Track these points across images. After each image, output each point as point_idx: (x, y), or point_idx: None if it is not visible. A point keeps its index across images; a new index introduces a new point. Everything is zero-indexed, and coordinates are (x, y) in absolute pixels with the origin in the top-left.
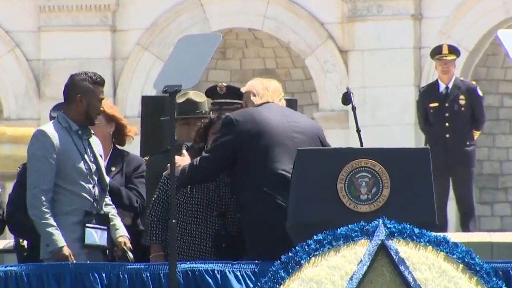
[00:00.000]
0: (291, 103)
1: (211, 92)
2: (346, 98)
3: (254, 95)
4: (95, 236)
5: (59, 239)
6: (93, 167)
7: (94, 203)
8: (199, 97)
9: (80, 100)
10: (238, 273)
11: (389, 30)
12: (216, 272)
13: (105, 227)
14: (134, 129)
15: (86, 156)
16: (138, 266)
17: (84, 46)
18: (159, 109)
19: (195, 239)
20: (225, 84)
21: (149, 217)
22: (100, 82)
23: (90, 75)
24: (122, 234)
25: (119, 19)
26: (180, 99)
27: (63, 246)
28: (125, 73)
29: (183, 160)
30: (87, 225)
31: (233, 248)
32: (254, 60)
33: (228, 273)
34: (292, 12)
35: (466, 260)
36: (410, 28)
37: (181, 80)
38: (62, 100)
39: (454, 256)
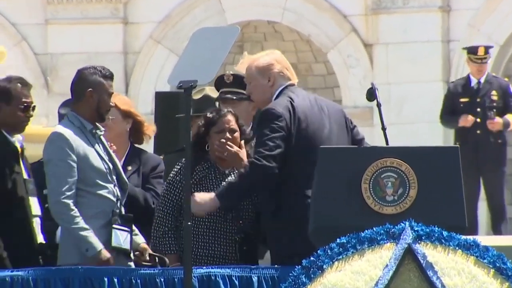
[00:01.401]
0: None
1: (218, 82)
2: (371, 94)
3: (288, 70)
4: (121, 238)
5: (96, 241)
6: (111, 166)
7: (117, 203)
8: (216, 93)
9: (91, 95)
10: (257, 278)
11: (415, 23)
12: (234, 277)
13: (129, 229)
14: (151, 127)
15: (103, 155)
16: (152, 271)
17: (93, 40)
18: (173, 106)
19: (211, 244)
20: (232, 73)
21: (159, 226)
22: (110, 76)
23: (99, 69)
24: (143, 240)
25: (130, 11)
26: (196, 96)
27: (101, 249)
28: (137, 68)
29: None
30: (114, 226)
31: (254, 250)
32: None
33: (246, 279)
34: (313, 3)
35: (498, 264)
36: (438, 20)
37: (197, 75)
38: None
39: (485, 261)
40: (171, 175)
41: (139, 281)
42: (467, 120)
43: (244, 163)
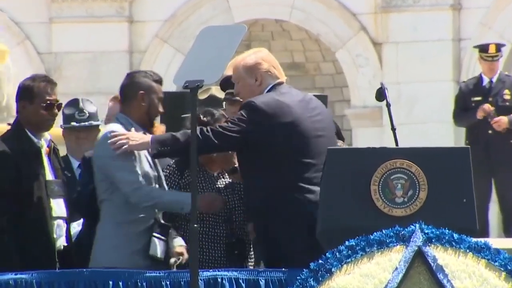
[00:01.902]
0: (321, 99)
1: (224, 82)
2: (380, 94)
3: (275, 69)
4: (158, 247)
5: (185, 196)
6: (156, 174)
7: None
8: (223, 93)
9: (142, 98)
10: (264, 282)
11: (426, 21)
12: (241, 280)
13: (165, 238)
14: (161, 128)
15: (151, 162)
16: (158, 274)
17: (98, 39)
18: (179, 107)
19: (204, 246)
20: None
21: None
22: (160, 80)
23: (149, 73)
24: (181, 242)
25: (136, 9)
26: (202, 95)
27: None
28: (143, 67)
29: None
30: (154, 234)
31: (244, 254)
32: (281, 53)
33: (253, 282)
34: (321, 2)
35: (509, 267)
36: (449, 19)
37: (203, 75)
38: (75, 97)
39: (496, 264)
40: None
41: (144, 284)
42: (484, 109)
43: (234, 164)
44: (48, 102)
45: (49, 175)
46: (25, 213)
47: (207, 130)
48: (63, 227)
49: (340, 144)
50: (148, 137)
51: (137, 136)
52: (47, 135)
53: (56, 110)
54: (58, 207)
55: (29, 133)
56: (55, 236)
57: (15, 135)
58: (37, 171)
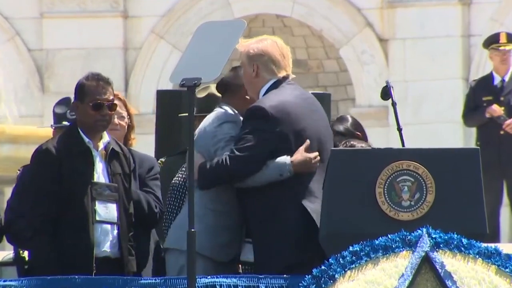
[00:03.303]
0: (324, 98)
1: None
2: (386, 93)
3: (274, 64)
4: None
5: (278, 162)
6: None
7: None
8: None
9: (246, 92)
10: None
11: (434, 17)
12: (240, 287)
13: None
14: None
15: None
16: (154, 281)
17: (92, 35)
18: (176, 105)
19: None
20: None
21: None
22: None
23: None
24: None
25: (131, 4)
26: (200, 94)
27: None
28: (138, 65)
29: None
30: (246, 239)
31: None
32: None
33: None
34: None
35: None
36: (458, 14)
37: (201, 73)
38: (68, 95)
39: (507, 270)
40: (176, 180)
41: None
42: (494, 110)
43: None
44: (98, 101)
45: (99, 177)
46: (64, 214)
47: (224, 162)
48: (109, 232)
49: (363, 145)
50: None
51: None
52: (106, 136)
53: (107, 110)
54: (105, 210)
55: (81, 133)
56: (95, 240)
57: (67, 134)
58: (82, 171)
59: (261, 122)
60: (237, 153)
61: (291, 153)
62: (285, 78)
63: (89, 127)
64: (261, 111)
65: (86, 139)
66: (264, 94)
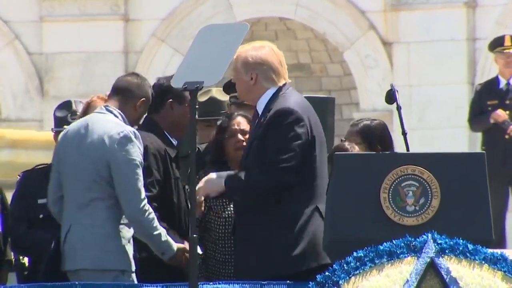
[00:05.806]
0: (328, 102)
1: (228, 86)
2: (390, 97)
3: (274, 73)
4: None
5: (171, 242)
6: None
7: None
8: (223, 95)
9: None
10: None
11: (439, 20)
12: None
13: None
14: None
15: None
16: (155, 287)
17: (92, 38)
18: None
19: (215, 260)
20: None
21: None
22: None
23: None
24: None
25: (132, 7)
26: (202, 98)
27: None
28: (139, 68)
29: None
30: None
31: None
32: (285, 53)
33: None
34: None
35: None
36: (463, 17)
37: (203, 76)
38: (68, 98)
39: None
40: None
41: None
42: (498, 115)
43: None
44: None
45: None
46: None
47: (266, 173)
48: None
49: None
50: (221, 184)
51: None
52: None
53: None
54: None
55: (168, 136)
56: None
57: (155, 134)
58: (177, 175)
59: (297, 125)
60: (285, 164)
61: (314, 159)
62: (284, 85)
63: (181, 128)
64: (293, 113)
65: (174, 142)
66: (268, 102)
